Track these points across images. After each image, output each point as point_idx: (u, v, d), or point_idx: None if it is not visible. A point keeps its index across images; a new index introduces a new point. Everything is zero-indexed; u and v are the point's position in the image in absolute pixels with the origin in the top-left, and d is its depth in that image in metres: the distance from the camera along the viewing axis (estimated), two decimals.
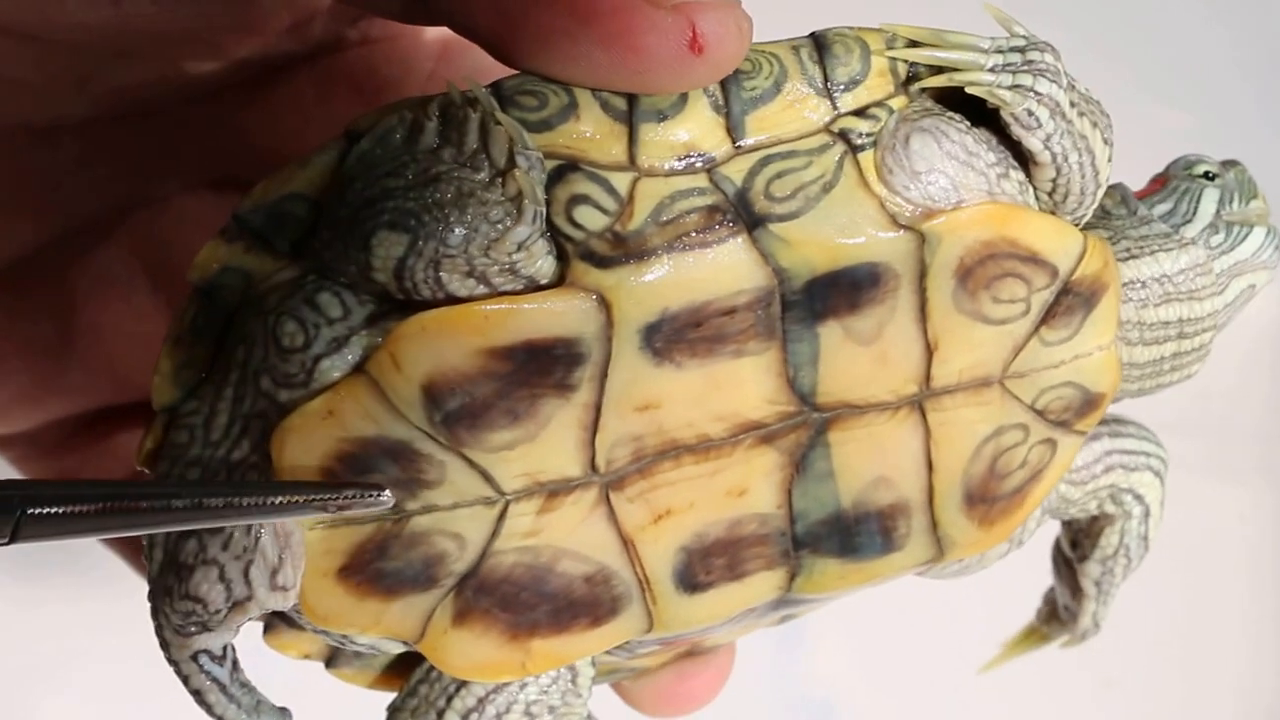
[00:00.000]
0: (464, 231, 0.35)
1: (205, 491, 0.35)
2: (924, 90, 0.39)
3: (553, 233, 0.36)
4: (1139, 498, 0.46)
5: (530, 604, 0.39)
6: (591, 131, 0.37)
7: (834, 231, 0.37)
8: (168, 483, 0.38)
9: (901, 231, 0.38)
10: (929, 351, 0.39)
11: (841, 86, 0.39)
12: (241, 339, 0.38)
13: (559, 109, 0.37)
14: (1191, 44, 0.90)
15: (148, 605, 0.38)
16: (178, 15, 0.41)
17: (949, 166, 0.38)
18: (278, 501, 0.35)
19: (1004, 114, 0.39)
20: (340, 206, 0.37)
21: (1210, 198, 0.45)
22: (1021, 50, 0.39)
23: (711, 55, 0.35)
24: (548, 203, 0.36)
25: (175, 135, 0.47)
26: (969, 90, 0.39)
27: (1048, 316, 0.40)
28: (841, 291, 0.38)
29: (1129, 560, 0.47)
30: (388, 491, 0.36)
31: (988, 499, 0.41)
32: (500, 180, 0.35)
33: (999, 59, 0.39)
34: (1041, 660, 0.51)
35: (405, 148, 0.36)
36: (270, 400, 0.37)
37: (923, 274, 0.38)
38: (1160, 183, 0.46)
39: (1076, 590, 0.48)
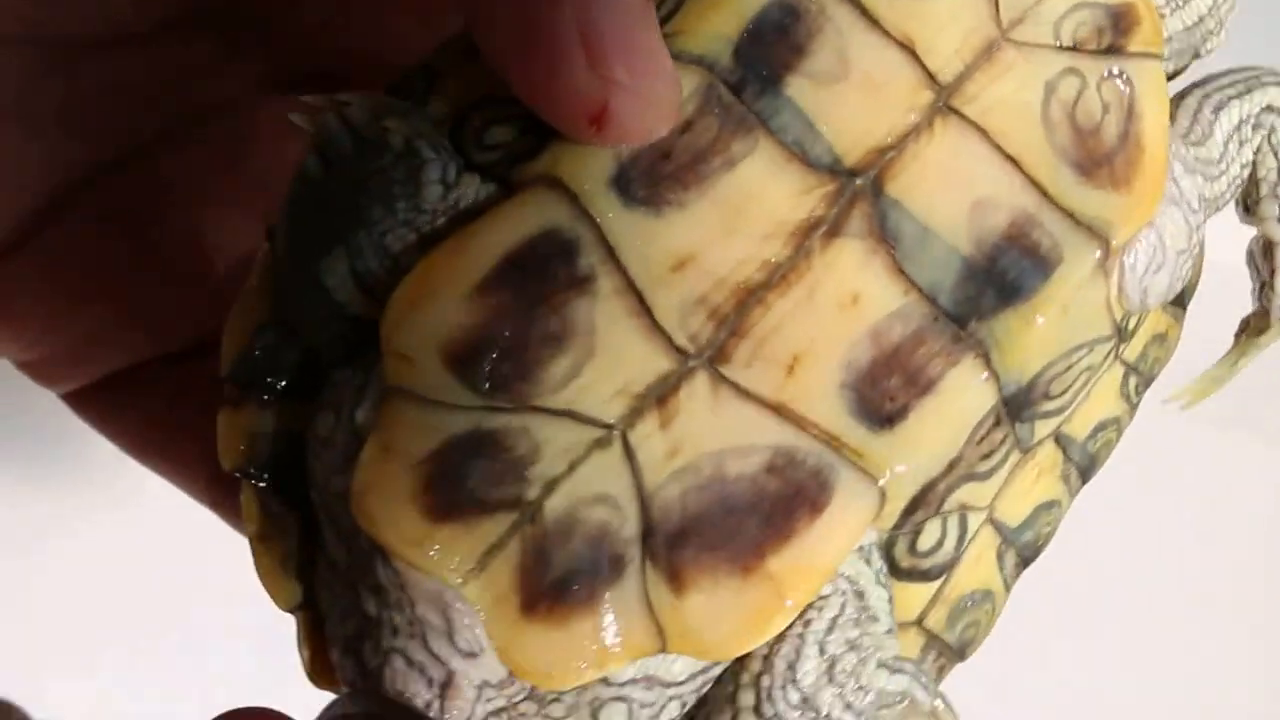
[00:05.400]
0: (381, 206, 0.34)
1: None
2: None
3: (479, 171, 0.35)
4: (1269, 108, 0.39)
5: (733, 527, 0.33)
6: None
7: None
8: None
9: None
10: (908, 50, 0.35)
11: None
12: (309, 476, 0.36)
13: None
14: None
15: None
16: None
17: None
18: None
19: None
20: (293, 290, 0.36)
21: None
22: None
23: (609, 134, 0.34)
24: (460, 145, 0.35)
25: (238, 39, 0.44)
26: None
27: None
28: (772, 43, 0.35)
29: None
30: None
31: (1099, 159, 0.35)
32: (385, 145, 0.34)
33: None
34: None
35: (315, 193, 0.36)
36: (339, 499, 0.34)
37: None
38: None
39: (1268, 250, 0.41)
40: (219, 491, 0.43)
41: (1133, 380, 0.39)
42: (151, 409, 0.45)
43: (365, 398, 0.34)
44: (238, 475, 0.37)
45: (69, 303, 0.44)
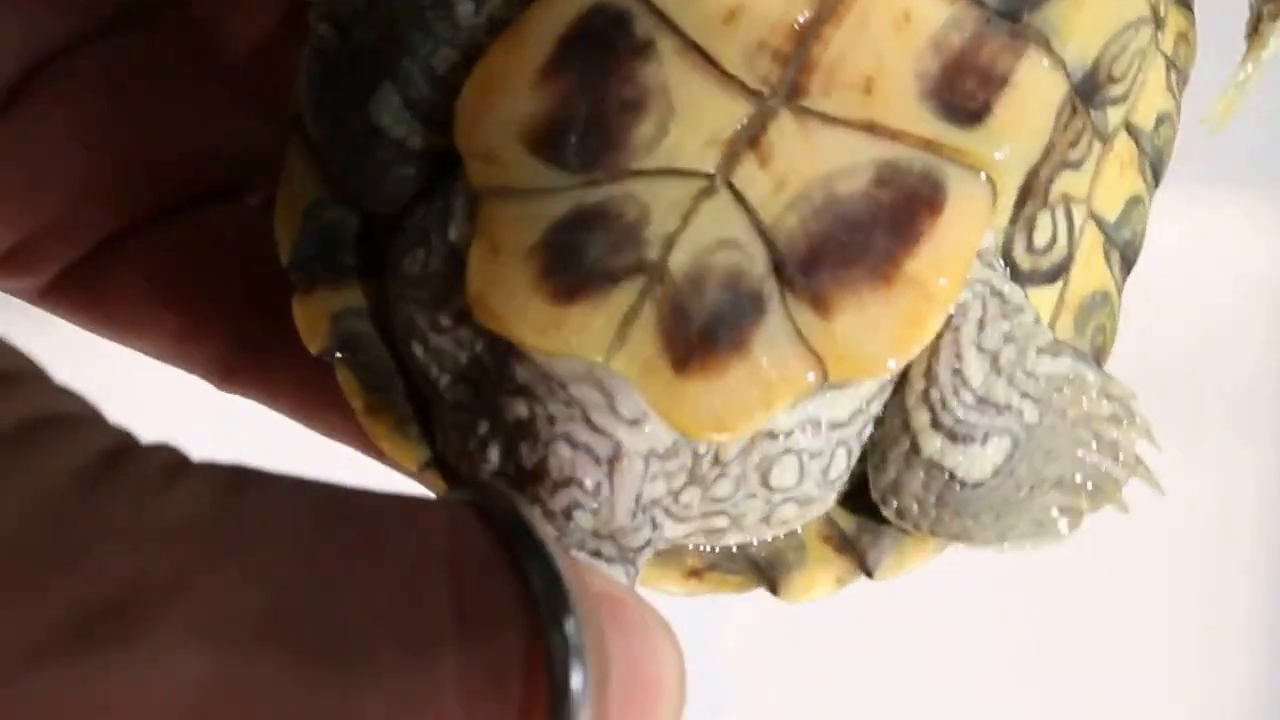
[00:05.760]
0: (417, 30, 0.34)
1: None
2: None
3: None
4: None
5: (862, 242, 0.32)
6: None
7: None
8: None
9: None
10: None
11: None
12: (406, 333, 0.35)
13: None
14: None
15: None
16: None
17: None
18: None
19: None
20: (344, 151, 0.35)
21: None
22: None
23: None
24: None
25: None
26: None
27: None
28: None
29: None
30: None
31: None
32: None
33: None
34: None
35: (337, 57, 0.35)
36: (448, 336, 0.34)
37: None
38: None
39: None
40: (236, 356, 0.40)
41: (1173, 75, 0.39)
42: (137, 281, 0.41)
43: (453, 215, 0.33)
44: (327, 359, 0.35)
45: (42, 176, 0.41)
